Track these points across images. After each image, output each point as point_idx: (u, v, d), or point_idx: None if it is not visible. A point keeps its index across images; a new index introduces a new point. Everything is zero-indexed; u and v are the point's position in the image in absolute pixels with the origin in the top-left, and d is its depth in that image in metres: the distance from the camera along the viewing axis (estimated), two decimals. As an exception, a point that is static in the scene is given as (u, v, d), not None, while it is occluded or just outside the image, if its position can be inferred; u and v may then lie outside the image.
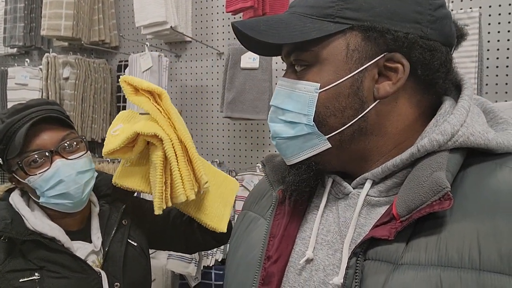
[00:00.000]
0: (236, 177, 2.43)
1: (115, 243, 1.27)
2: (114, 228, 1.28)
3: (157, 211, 1.06)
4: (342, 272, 0.59)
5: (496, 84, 1.95)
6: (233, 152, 2.66)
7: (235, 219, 2.42)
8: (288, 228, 0.70)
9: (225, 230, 1.18)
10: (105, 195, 1.34)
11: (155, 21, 2.44)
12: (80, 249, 1.21)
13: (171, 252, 2.29)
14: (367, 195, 0.63)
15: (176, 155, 1.04)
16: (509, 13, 1.91)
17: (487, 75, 1.95)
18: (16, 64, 3.02)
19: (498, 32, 1.93)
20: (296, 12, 0.65)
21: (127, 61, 2.73)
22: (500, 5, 1.92)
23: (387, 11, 0.60)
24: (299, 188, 0.68)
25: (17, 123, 1.13)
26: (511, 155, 0.60)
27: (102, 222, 1.29)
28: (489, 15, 1.93)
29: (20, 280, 1.09)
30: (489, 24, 1.94)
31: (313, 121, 0.63)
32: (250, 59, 2.28)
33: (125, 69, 2.81)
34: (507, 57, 1.92)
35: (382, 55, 0.61)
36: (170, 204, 1.06)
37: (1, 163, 1.17)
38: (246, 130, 2.60)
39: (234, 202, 2.47)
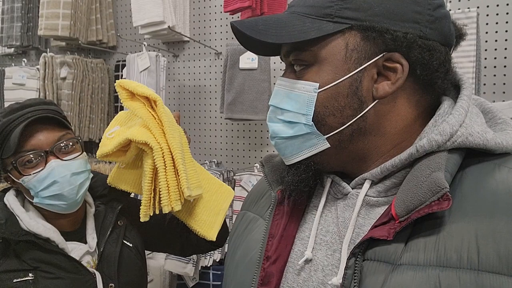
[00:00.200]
0: (234, 177, 2.43)
1: (110, 244, 1.26)
2: (109, 229, 1.27)
3: (143, 218, 1.04)
4: (341, 272, 0.59)
5: (494, 84, 1.95)
6: (231, 152, 2.65)
7: (233, 219, 2.42)
8: (287, 228, 0.70)
9: (214, 239, 1.16)
10: (100, 196, 1.33)
11: (153, 21, 2.44)
12: (74, 249, 1.21)
13: (169, 253, 2.29)
14: (366, 195, 0.63)
15: (165, 165, 1.02)
16: (507, 13, 1.91)
17: (485, 75, 1.95)
18: (13, 64, 3.02)
19: (496, 32, 1.93)
20: (295, 12, 0.64)
21: (125, 61, 2.72)
22: (497, 5, 1.92)
23: (386, 11, 0.60)
24: (298, 188, 0.68)
25: (12, 122, 1.12)
26: (509, 155, 0.60)
27: (97, 222, 1.28)
28: (487, 15, 1.94)
29: (14, 281, 1.09)
30: (486, 24, 1.94)
31: (312, 121, 0.63)
32: (248, 60, 2.28)
33: (122, 69, 2.81)
34: (505, 57, 1.92)
35: (381, 55, 0.61)
36: (158, 212, 1.05)
37: None
38: (244, 130, 2.60)
39: (232, 206, 2.48)
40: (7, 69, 2.93)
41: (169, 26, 2.44)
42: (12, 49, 3.27)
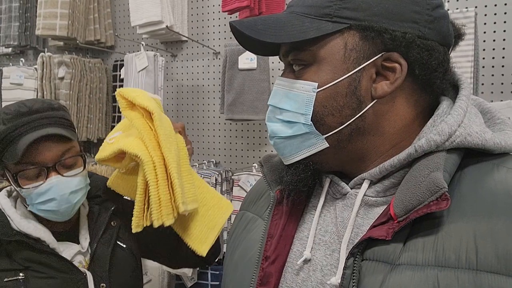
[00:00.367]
0: (233, 177, 2.43)
1: (103, 244, 1.26)
2: (102, 229, 1.27)
3: (134, 229, 1.02)
4: (339, 272, 0.59)
5: (492, 83, 1.95)
6: (229, 152, 2.65)
7: (232, 219, 2.42)
8: (286, 228, 0.70)
9: (204, 254, 1.12)
10: (95, 196, 1.32)
11: (151, 21, 2.43)
12: (66, 249, 1.20)
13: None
14: (364, 195, 0.63)
15: (157, 178, 0.99)
16: (505, 13, 1.91)
17: (483, 75, 1.96)
18: (11, 63, 3.01)
19: (494, 32, 1.94)
20: (294, 12, 0.64)
21: (123, 60, 2.72)
22: (495, 5, 1.93)
23: (385, 11, 0.60)
24: (296, 188, 0.68)
25: (19, 128, 1.09)
26: (508, 155, 0.60)
27: (90, 223, 1.28)
28: (485, 15, 1.94)
29: (4, 280, 1.08)
30: (484, 23, 1.94)
31: (311, 120, 0.63)
32: (247, 60, 2.28)
33: (120, 68, 2.81)
34: (503, 57, 1.93)
35: (380, 54, 0.61)
36: (148, 224, 1.02)
37: None
38: (242, 130, 2.60)
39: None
40: (4, 69, 2.93)
41: (167, 26, 2.44)
42: (10, 48, 3.26)
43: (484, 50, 1.95)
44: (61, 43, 3.01)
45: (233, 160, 2.65)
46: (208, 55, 2.69)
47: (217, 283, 2.42)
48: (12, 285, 1.09)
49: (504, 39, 1.92)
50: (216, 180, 2.40)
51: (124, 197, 1.34)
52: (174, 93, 2.84)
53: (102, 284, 1.21)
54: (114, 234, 1.29)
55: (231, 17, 2.51)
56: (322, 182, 0.71)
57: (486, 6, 1.94)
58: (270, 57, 2.30)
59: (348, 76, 0.61)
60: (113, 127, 2.89)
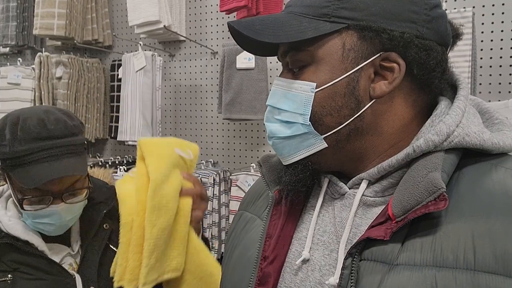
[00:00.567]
0: (231, 176, 2.43)
1: (93, 247, 1.25)
2: (93, 232, 1.26)
3: (115, 284, 0.95)
4: (337, 272, 0.59)
5: (490, 83, 1.96)
6: (228, 151, 2.65)
7: (230, 219, 2.42)
8: (285, 229, 0.70)
9: None
10: (88, 199, 1.32)
11: (148, 20, 2.43)
12: (55, 251, 1.20)
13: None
14: (363, 195, 0.63)
15: (130, 243, 0.93)
16: (503, 13, 1.92)
17: (481, 75, 1.96)
18: (8, 63, 3.00)
19: (492, 31, 1.94)
20: (292, 12, 0.64)
21: (121, 60, 2.72)
22: (493, 5, 1.93)
23: (383, 11, 0.60)
24: (295, 188, 0.68)
25: (35, 153, 1.07)
26: (506, 155, 0.60)
27: (82, 225, 1.27)
28: (483, 15, 1.95)
29: None
30: (482, 23, 1.95)
31: (310, 120, 0.63)
32: (245, 60, 2.28)
33: (118, 68, 2.80)
34: (500, 57, 1.93)
35: (378, 54, 0.61)
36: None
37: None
38: (240, 130, 2.60)
39: (228, 206, 2.47)
40: (2, 69, 2.92)
41: (164, 26, 2.44)
42: (7, 48, 3.26)
43: (481, 50, 1.95)
44: (59, 43, 3.01)
45: (231, 160, 2.65)
46: (206, 55, 2.69)
47: (215, 283, 2.41)
48: (0, 286, 1.08)
49: (501, 39, 1.92)
50: (214, 180, 2.40)
51: (117, 200, 1.33)
52: (172, 93, 2.84)
53: (91, 287, 1.20)
54: (106, 237, 1.28)
55: (229, 17, 2.51)
56: (321, 182, 0.71)
57: (483, 6, 1.95)
58: (268, 57, 2.30)
59: (346, 76, 0.61)
60: (110, 127, 2.89)
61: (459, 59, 1.76)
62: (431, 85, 0.63)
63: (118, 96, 2.76)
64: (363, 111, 0.62)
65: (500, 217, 0.51)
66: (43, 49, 2.97)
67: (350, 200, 0.65)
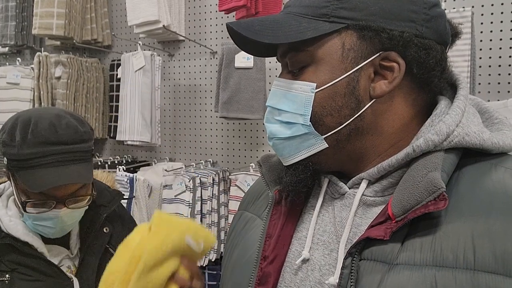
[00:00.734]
0: (230, 176, 2.43)
1: (92, 251, 1.24)
2: (93, 235, 1.26)
3: None
4: (337, 272, 0.59)
5: (489, 83, 1.96)
6: (227, 151, 2.65)
7: (229, 219, 2.42)
8: (284, 228, 0.70)
9: None
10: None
11: (148, 20, 2.43)
12: (54, 253, 1.20)
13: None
14: (363, 195, 0.63)
15: None
16: (502, 13, 1.92)
17: (480, 74, 1.96)
18: (7, 63, 3.00)
19: (491, 31, 1.94)
20: (291, 12, 0.64)
21: (120, 60, 2.72)
22: (492, 5, 1.93)
23: (382, 10, 0.60)
24: (296, 189, 0.68)
25: (43, 158, 1.07)
26: (506, 155, 0.60)
27: (82, 228, 1.27)
28: (482, 15, 1.95)
29: None
30: (481, 23, 1.95)
31: (310, 121, 0.63)
32: (244, 59, 2.28)
33: (117, 68, 2.80)
34: (500, 56, 1.93)
35: (378, 54, 0.61)
36: None
37: (5, 162, 1.13)
38: (239, 130, 2.60)
39: (228, 205, 2.46)
40: (1, 68, 2.91)
41: (164, 25, 2.44)
42: (7, 48, 3.25)
43: (481, 49, 1.95)
44: (58, 43, 3.00)
45: (230, 160, 2.65)
46: (205, 55, 2.69)
47: (215, 283, 2.41)
48: None
49: (500, 39, 1.92)
50: (213, 180, 2.40)
51: (118, 204, 1.33)
52: (171, 92, 2.84)
53: None
54: (106, 241, 1.27)
55: (228, 17, 2.51)
56: (321, 182, 0.71)
57: (483, 5, 1.95)
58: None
59: (346, 76, 0.61)
60: (109, 126, 2.88)
61: (458, 59, 1.76)
62: (431, 84, 0.63)
63: (117, 96, 2.75)
64: (363, 110, 0.62)
65: (500, 216, 0.51)
66: (42, 48, 2.96)
67: (350, 200, 0.65)
